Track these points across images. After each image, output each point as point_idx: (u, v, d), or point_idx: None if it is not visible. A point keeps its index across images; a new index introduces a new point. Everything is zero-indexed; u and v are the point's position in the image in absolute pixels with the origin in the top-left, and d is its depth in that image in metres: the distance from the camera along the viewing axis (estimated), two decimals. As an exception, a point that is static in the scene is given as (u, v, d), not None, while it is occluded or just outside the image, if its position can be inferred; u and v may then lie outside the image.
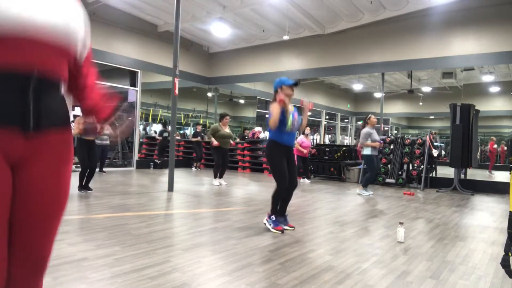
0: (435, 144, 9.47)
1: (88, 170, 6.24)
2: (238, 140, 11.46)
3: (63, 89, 1.24)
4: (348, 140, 19.53)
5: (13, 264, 1.17)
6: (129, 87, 11.55)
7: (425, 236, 4.11)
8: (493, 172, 12.93)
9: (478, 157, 12.76)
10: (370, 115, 7.38)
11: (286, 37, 10.97)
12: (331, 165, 10.35)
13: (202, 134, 11.97)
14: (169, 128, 8.81)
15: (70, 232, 3.62)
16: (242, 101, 17.81)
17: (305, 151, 9.24)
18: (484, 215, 5.65)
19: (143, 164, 11.64)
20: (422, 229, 4.46)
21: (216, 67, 13.71)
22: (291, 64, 12.05)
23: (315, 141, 16.91)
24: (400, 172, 9.22)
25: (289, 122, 4.04)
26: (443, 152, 13.59)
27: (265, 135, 11.84)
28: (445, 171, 9.99)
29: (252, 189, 7.80)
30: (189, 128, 17.10)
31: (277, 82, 4.18)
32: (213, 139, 7.89)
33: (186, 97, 15.88)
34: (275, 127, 4.02)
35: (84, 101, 1.42)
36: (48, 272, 1.46)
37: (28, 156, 1.14)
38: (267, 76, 12.41)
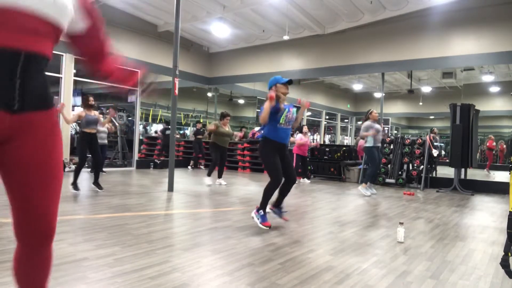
0: (435, 144, 9.47)
1: (93, 168, 6.24)
2: (238, 137, 11.10)
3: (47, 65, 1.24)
4: (348, 140, 19.53)
5: (21, 234, 1.25)
6: (128, 87, 11.54)
7: (425, 236, 4.11)
8: (491, 171, 12.92)
9: (478, 157, 12.76)
10: (371, 109, 7.38)
11: (286, 37, 10.97)
12: (331, 165, 10.36)
13: (202, 130, 11.94)
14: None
15: (70, 232, 3.62)
16: (242, 101, 17.81)
17: (309, 143, 9.32)
18: (484, 215, 5.65)
19: (143, 164, 11.64)
20: (422, 229, 4.46)
21: (216, 67, 13.71)
22: (291, 64, 12.06)
23: (314, 141, 16.91)
24: (400, 172, 9.22)
25: (282, 118, 4.10)
26: (443, 152, 13.58)
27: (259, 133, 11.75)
28: (445, 171, 10.00)
29: (252, 189, 7.79)
30: (189, 128, 17.10)
31: (272, 80, 4.24)
32: (211, 126, 7.87)
33: (186, 97, 15.89)
34: (264, 122, 4.09)
35: (104, 67, 1.48)
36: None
37: (14, 133, 1.16)
38: (267, 76, 12.41)
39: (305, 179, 9.52)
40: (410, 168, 9.22)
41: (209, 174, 7.89)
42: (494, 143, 14.11)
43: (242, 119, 18.06)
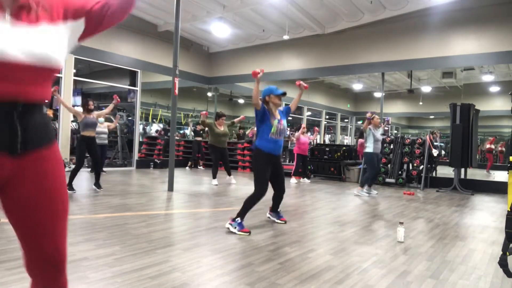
0: (435, 143, 9.47)
1: (93, 169, 6.28)
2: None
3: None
4: (348, 140, 19.54)
5: (33, 271, 1.26)
6: (129, 87, 11.57)
7: (425, 236, 4.11)
8: (491, 172, 12.91)
9: (478, 157, 12.76)
10: (374, 115, 7.32)
11: (286, 37, 10.96)
12: (331, 164, 10.36)
13: (201, 132, 11.96)
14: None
15: (70, 232, 3.61)
16: (242, 101, 17.81)
17: (311, 138, 9.31)
18: (484, 215, 5.65)
19: (143, 164, 11.64)
20: (422, 229, 4.46)
21: (216, 67, 13.71)
22: (291, 64, 12.05)
23: (314, 141, 16.90)
24: (400, 172, 9.22)
25: (274, 128, 4.06)
26: (443, 152, 13.58)
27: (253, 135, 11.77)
28: (445, 171, 10.00)
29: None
30: (189, 128, 17.10)
31: (266, 90, 4.19)
32: (202, 117, 7.98)
33: (186, 97, 15.89)
34: (257, 103, 4.01)
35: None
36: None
37: (16, 174, 1.16)
38: (267, 76, 12.37)
39: (305, 179, 9.52)
40: (410, 167, 9.22)
41: (214, 177, 8.08)
42: (493, 146, 14.09)
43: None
